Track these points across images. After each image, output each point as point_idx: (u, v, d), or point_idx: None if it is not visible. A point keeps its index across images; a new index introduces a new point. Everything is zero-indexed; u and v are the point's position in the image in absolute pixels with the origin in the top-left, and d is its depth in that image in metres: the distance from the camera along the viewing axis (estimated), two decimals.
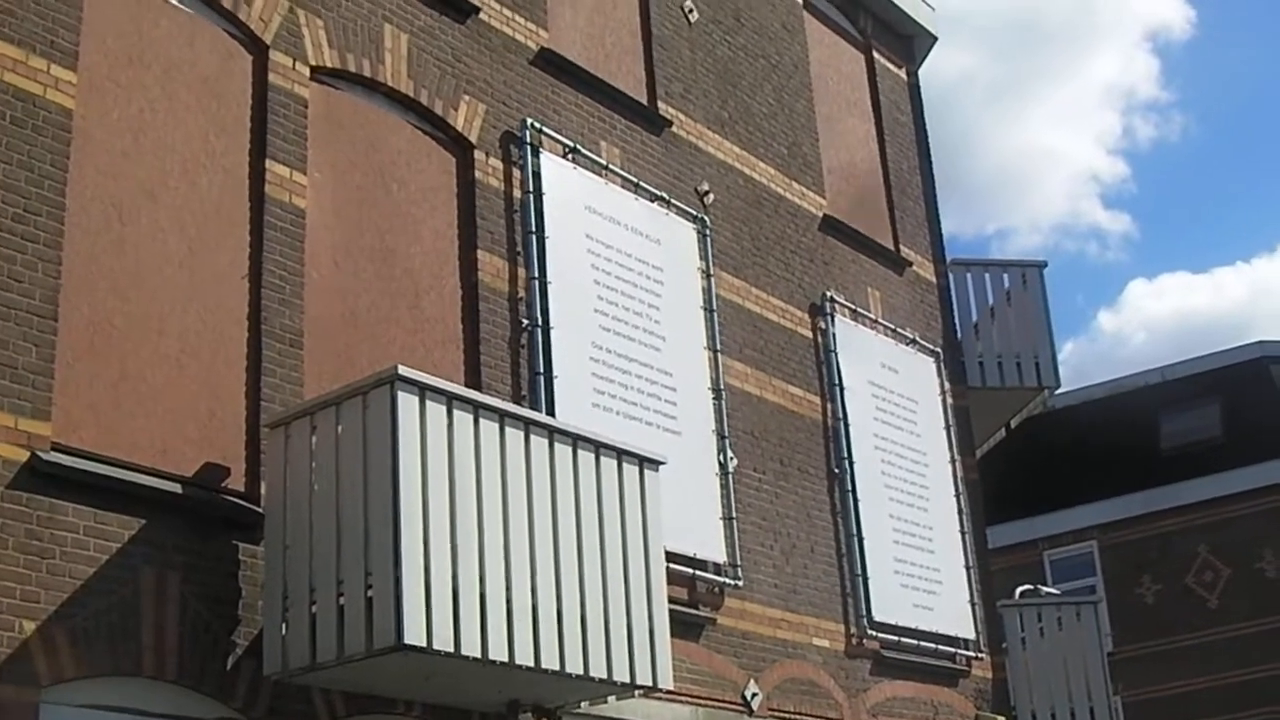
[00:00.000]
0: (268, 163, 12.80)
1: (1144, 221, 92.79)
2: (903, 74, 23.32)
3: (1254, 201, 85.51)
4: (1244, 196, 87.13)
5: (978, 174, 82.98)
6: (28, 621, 10.11)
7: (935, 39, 23.88)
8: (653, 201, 16.88)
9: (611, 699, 13.32)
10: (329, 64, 13.65)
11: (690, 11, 18.78)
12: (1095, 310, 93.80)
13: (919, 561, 19.32)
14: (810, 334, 19.04)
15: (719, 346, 17.07)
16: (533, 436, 12.11)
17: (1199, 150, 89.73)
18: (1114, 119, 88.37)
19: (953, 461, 20.76)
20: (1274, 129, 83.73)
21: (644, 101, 17.57)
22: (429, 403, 11.28)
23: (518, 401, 14.11)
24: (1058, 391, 24.39)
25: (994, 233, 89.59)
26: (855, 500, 18.59)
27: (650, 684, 12.67)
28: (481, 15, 15.52)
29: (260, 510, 11.77)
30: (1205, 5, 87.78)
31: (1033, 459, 36.95)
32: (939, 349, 21.37)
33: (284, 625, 11.32)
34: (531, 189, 15.32)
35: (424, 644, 10.74)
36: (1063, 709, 20.88)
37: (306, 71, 13.40)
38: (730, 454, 16.73)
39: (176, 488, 11.31)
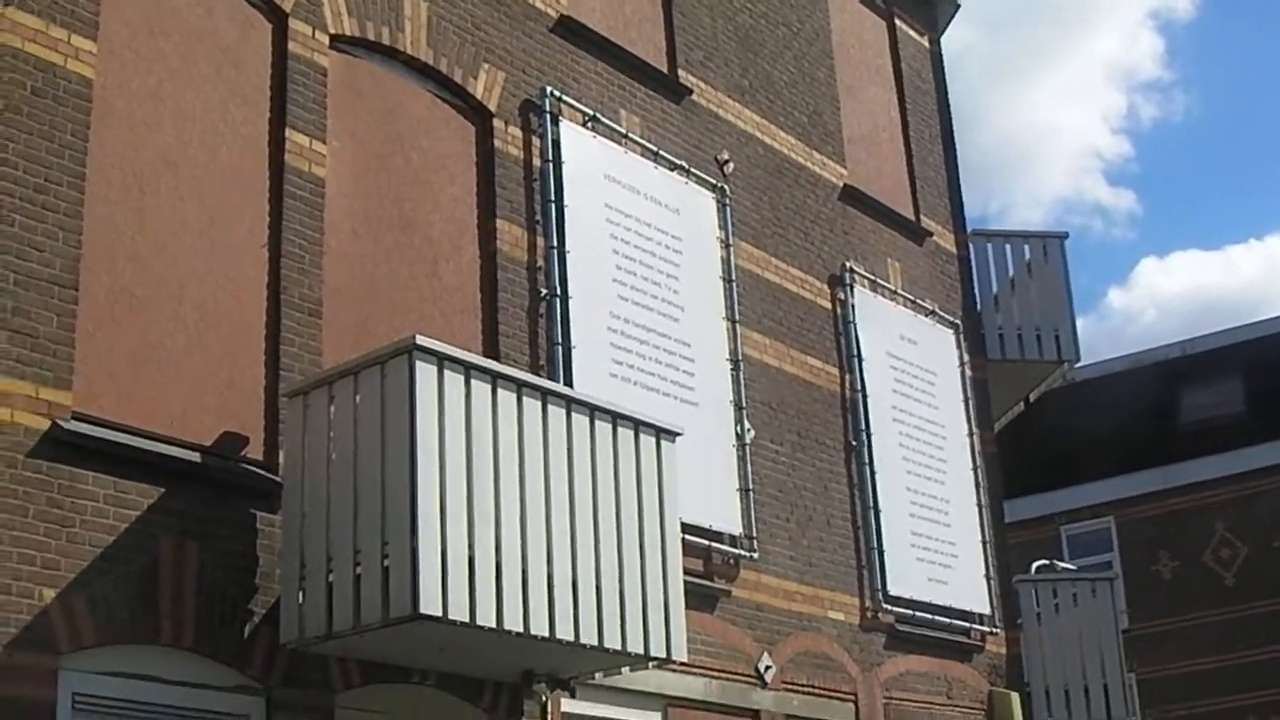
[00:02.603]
0: (287, 131, 12.80)
1: (1149, 199, 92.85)
2: (925, 41, 23.25)
3: (1264, 180, 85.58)
4: (1253, 175, 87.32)
5: (980, 150, 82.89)
6: (48, 589, 10.16)
7: (958, 6, 23.80)
8: (672, 170, 16.86)
9: (626, 670, 13.33)
10: (348, 32, 13.63)
11: None
12: (1104, 287, 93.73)
13: (935, 535, 19.32)
14: (829, 305, 19.02)
15: (738, 317, 17.06)
16: (550, 407, 12.12)
17: (1202, 130, 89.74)
18: (1117, 97, 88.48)
19: (971, 435, 20.74)
20: (1274, 110, 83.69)
21: (664, 69, 17.53)
22: (447, 372, 11.27)
23: (536, 371, 14.10)
24: (1077, 365, 24.33)
25: (996, 210, 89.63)
26: (872, 473, 18.59)
27: (664, 655, 12.70)
28: None
29: (278, 479, 11.80)
30: None
31: (1051, 433, 36.87)
32: (958, 320, 21.34)
33: (301, 594, 11.36)
34: (551, 158, 15.30)
35: (440, 614, 10.76)
36: (1077, 686, 20.83)
37: (326, 40, 13.38)
38: (748, 425, 16.72)
39: (195, 456, 11.34)
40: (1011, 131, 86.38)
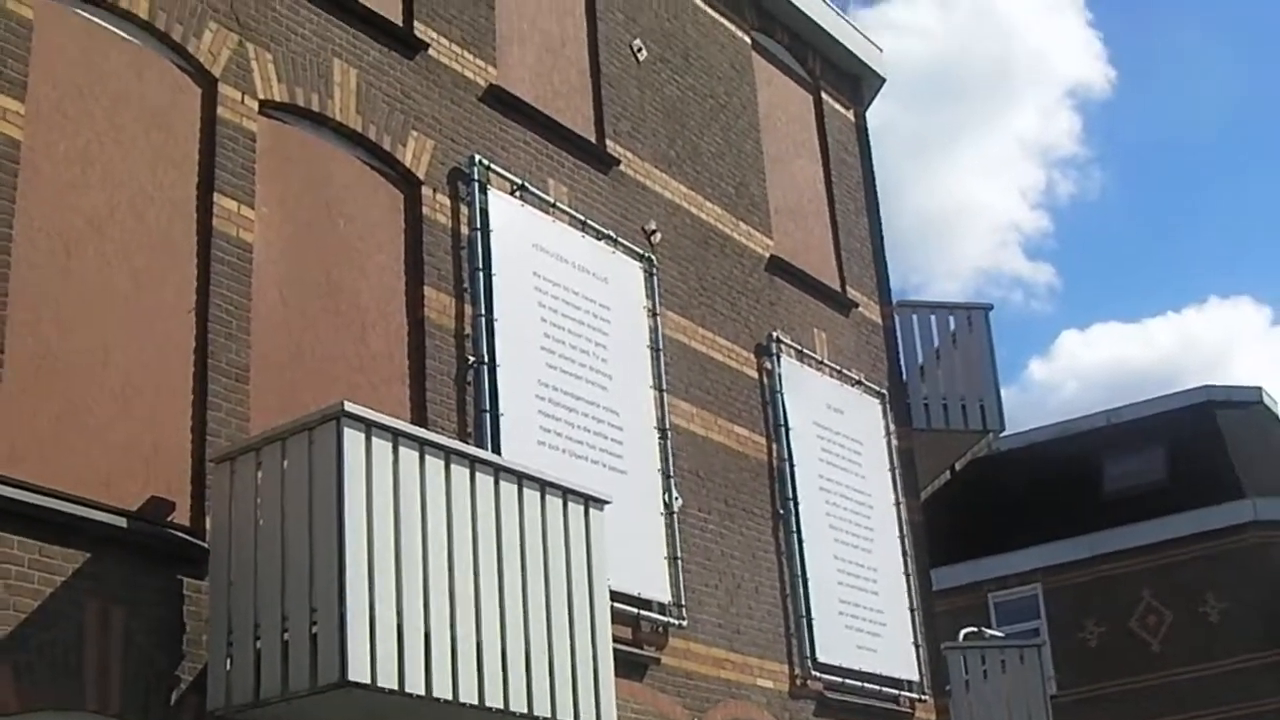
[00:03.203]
0: (215, 196, 12.76)
1: (1067, 273, 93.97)
2: (850, 115, 23.41)
3: (1179, 255, 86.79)
4: (1169, 250, 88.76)
5: (899, 223, 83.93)
6: None
7: (883, 80, 24.02)
8: (600, 240, 16.90)
9: None
10: (278, 98, 13.63)
11: (639, 51, 18.84)
12: (1026, 359, 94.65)
13: (863, 603, 19.33)
14: (756, 374, 19.08)
15: (665, 386, 17.08)
16: (478, 474, 12.10)
17: (1118, 205, 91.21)
18: (1035, 173, 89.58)
19: (897, 503, 20.79)
20: (1192, 187, 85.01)
21: (592, 140, 17.60)
22: (375, 439, 11.27)
23: (464, 439, 14.07)
24: (1002, 434, 24.47)
25: (916, 283, 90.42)
26: (800, 541, 18.60)
27: None
28: (430, 51, 15.53)
29: (205, 545, 11.70)
30: (1125, 64, 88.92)
31: (977, 501, 37.09)
32: (884, 390, 21.42)
33: (228, 660, 11.27)
34: (479, 226, 15.32)
35: (369, 681, 10.71)
36: None
37: (255, 105, 13.37)
38: (675, 494, 16.73)
39: (121, 521, 11.24)
40: (930, 205, 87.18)
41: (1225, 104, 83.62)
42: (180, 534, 11.73)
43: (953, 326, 23.07)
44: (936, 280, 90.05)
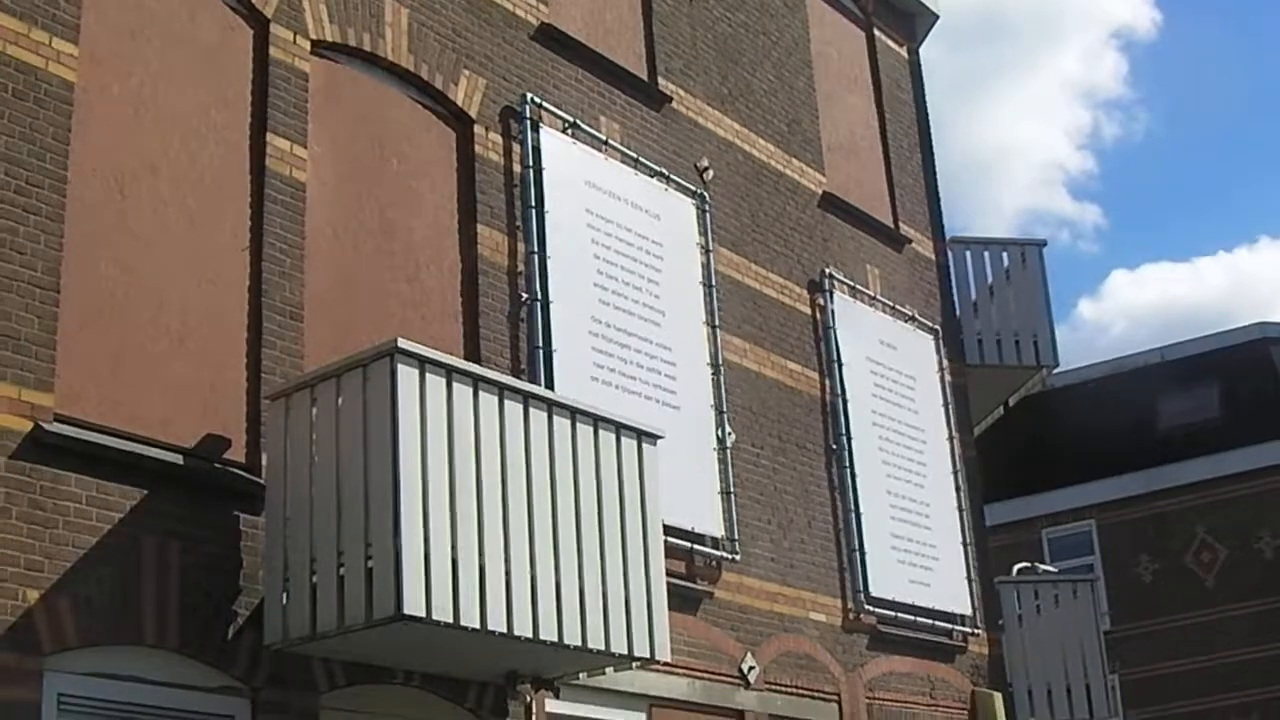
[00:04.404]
0: (268, 136, 12.83)
1: (1114, 214, 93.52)
2: (903, 51, 23.33)
3: (1229, 196, 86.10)
4: (1218, 191, 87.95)
5: (942, 164, 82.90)
6: (31, 590, 10.18)
7: (936, 17, 23.88)
8: (652, 177, 16.92)
9: (609, 671, 13.36)
10: (329, 38, 13.67)
11: None
12: (1075, 299, 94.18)
13: (916, 538, 19.39)
14: (809, 310, 19.09)
15: (718, 322, 17.12)
16: (532, 410, 12.15)
17: (1165, 147, 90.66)
18: (1081, 114, 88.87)
19: (951, 439, 20.81)
20: (1239, 129, 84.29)
21: (644, 77, 17.60)
22: (429, 375, 11.32)
23: (517, 375, 14.14)
24: (1056, 371, 24.43)
25: (961, 223, 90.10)
26: (853, 476, 18.65)
27: (648, 656, 12.73)
28: None
29: (261, 481, 11.83)
30: (1170, 6, 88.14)
31: (1031, 438, 37.03)
32: (938, 326, 21.41)
33: (284, 595, 11.39)
34: (531, 164, 15.36)
35: (423, 614, 10.79)
36: (1059, 686, 20.92)
37: (307, 45, 13.42)
38: (728, 429, 16.78)
39: (178, 459, 11.37)
40: (974, 145, 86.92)
41: (1273, 45, 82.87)
42: (236, 470, 11.85)
43: (1006, 262, 23.03)
44: (981, 219, 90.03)
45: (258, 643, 11.44)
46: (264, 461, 11.91)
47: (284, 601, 11.38)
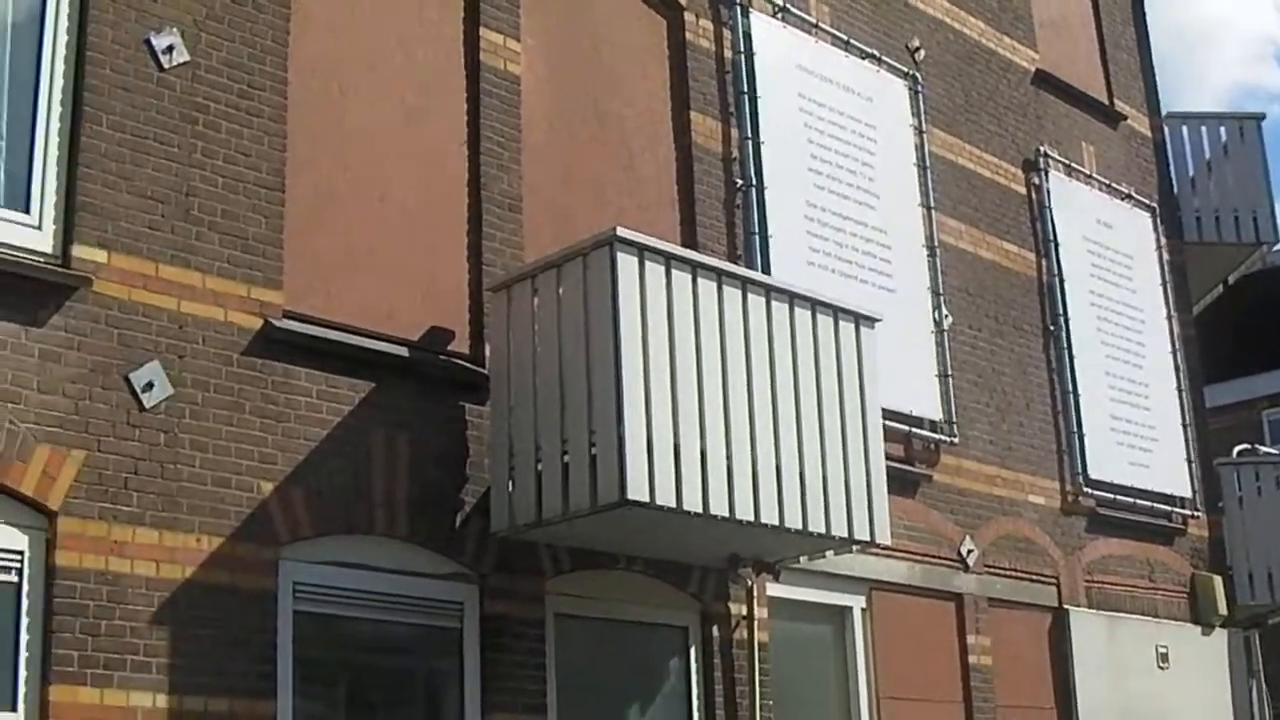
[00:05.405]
0: (481, 30, 12.93)
1: None
2: None
3: None
4: None
5: (1152, 39, 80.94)
6: (266, 483, 10.46)
7: None
8: (863, 59, 16.80)
9: (830, 554, 13.42)
10: None
11: None
12: None
13: (1135, 419, 19.18)
14: (1024, 190, 18.89)
15: (933, 203, 17.00)
16: (750, 295, 12.16)
17: None
18: None
19: (1169, 318, 20.53)
20: None
21: None
22: (648, 263, 11.38)
23: (733, 261, 14.16)
24: (1276, 247, 23.94)
25: (1168, 100, 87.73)
26: (1071, 357, 18.48)
27: (868, 539, 12.75)
28: None
29: (485, 372, 12.00)
30: None
31: (1252, 316, 36.21)
32: (1154, 204, 21.08)
33: (510, 483, 11.56)
34: (742, 49, 15.32)
35: (647, 500, 10.91)
36: None
37: None
38: (945, 311, 16.70)
39: (403, 351, 11.57)
40: (1180, 19, 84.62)
41: None
42: (461, 362, 12.03)
43: (1224, 137, 22.56)
44: (1190, 95, 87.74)
45: (484, 530, 11.65)
46: (487, 352, 12.06)
47: (510, 489, 11.56)
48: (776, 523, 11.91)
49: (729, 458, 11.58)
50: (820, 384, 12.55)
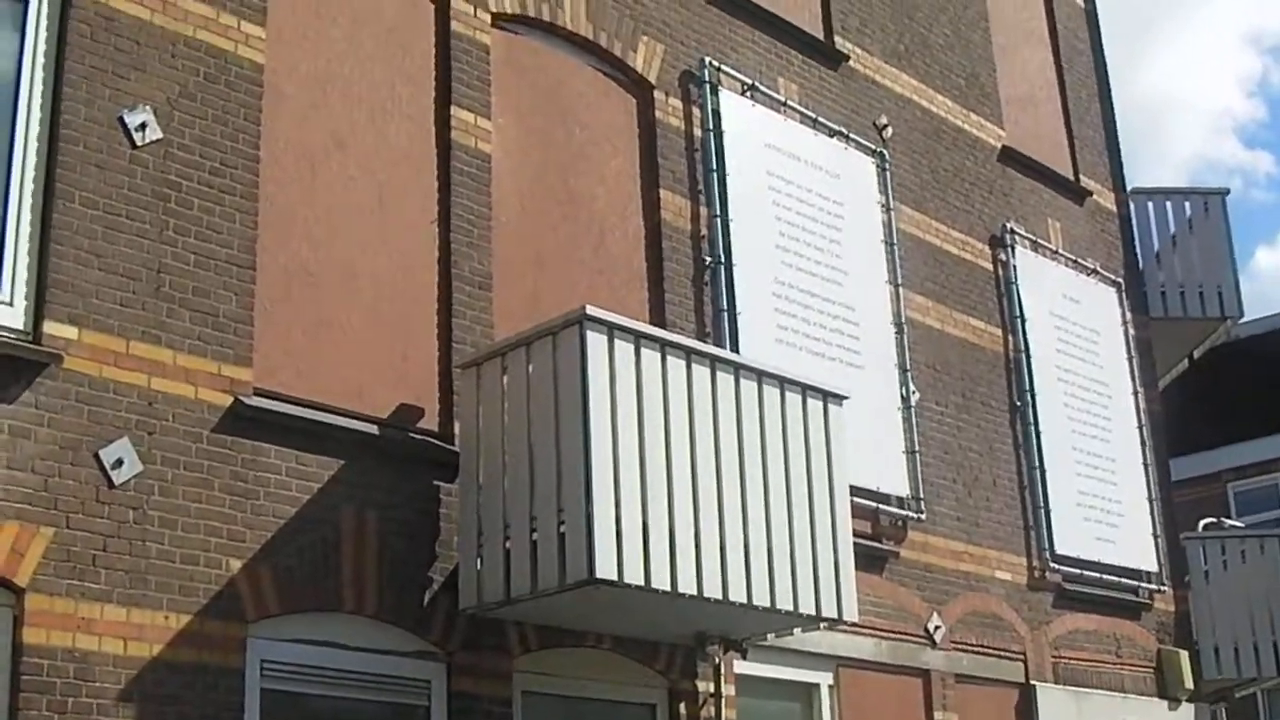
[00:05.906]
0: (453, 109, 13.03)
1: None
2: (1080, 1, 23.06)
3: None
4: None
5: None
6: (234, 560, 10.47)
7: None
8: (831, 136, 16.92)
9: (797, 631, 13.49)
10: (509, 10, 13.82)
11: None
12: (1251, 248, 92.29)
13: (1101, 494, 19.25)
14: (991, 266, 19.01)
15: (900, 280, 17.10)
16: (718, 373, 12.23)
17: None
18: (1250, 61, 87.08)
19: (1135, 393, 20.63)
20: None
21: (820, 36, 17.58)
22: (617, 341, 11.44)
23: (702, 339, 14.22)
24: (1240, 321, 24.08)
25: (1131, 177, 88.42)
26: (1037, 433, 18.56)
27: (835, 616, 12.77)
28: None
29: (454, 449, 12.03)
30: None
31: (1216, 390, 36.37)
32: (1120, 279, 21.21)
33: (479, 561, 11.59)
34: (711, 127, 15.44)
35: (615, 578, 10.92)
36: (1246, 644, 20.60)
37: (488, 18, 13.58)
38: (912, 387, 16.78)
39: (373, 429, 11.60)
40: (1140, 93, 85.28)
41: None
42: (430, 439, 12.07)
43: (1188, 212, 22.77)
44: (1151, 169, 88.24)
45: (453, 608, 11.66)
46: (457, 430, 12.11)
47: (478, 567, 11.59)
48: (744, 600, 11.94)
49: (697, 536, 11.62)
50: (788, 461, 12.60)
